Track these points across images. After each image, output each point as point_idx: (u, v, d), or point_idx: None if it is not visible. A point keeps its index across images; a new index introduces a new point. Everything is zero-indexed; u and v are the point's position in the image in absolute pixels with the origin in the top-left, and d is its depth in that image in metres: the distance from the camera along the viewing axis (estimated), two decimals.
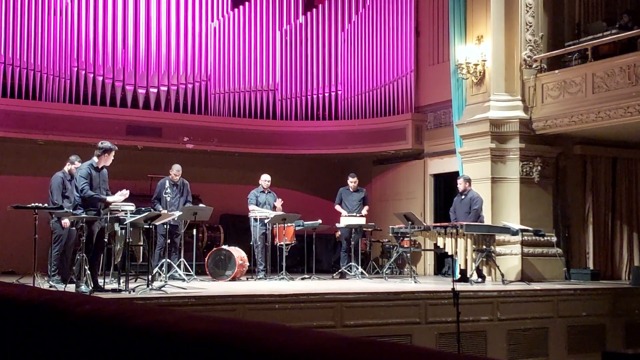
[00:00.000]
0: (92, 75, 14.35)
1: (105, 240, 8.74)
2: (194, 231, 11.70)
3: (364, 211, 12.67)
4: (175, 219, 10.51)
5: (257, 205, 12.05)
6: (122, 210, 8.81)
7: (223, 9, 15.84)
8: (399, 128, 15.30)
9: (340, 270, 12.38)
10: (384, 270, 12.60)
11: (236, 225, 14.70)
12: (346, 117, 16.09)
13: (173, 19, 15.24)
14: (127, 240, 8.65)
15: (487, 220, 11.59)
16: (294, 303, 8.40)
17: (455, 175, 12.85)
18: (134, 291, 8.30)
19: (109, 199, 8.59)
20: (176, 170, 11.46)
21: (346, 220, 12.42)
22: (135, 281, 9.50)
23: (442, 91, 14.25)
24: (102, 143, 8.82)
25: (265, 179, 12.29)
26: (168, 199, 10.39)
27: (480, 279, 11.12)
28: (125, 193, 8.66)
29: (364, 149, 15.79)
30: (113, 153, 8.78)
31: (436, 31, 15.04)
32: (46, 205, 9.34)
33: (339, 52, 16.37)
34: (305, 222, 12.21)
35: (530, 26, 12.51)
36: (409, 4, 15.42)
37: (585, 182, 12.88)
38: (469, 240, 10.76)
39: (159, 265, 10.38)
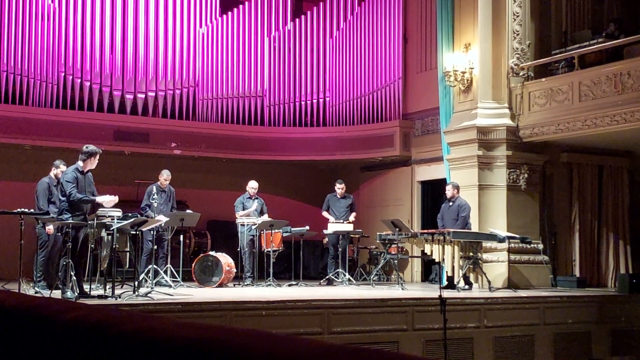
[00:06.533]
0: (79, 80, 14.30)
1: (92, 246, 8.70)
2: (181, 237, 11.67)
3: (352, 218, 12.67)
4: (162, 224, 10.48)
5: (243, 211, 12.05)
6: (109, 216, 8.77)
7: (212, 14, 15.83)
8: (386, 135, 15.34)
9: (327, 277, 12.38)
10: (371, 277, 12.62)
11: (223, 231, 14.67)
12: (334, 123, 16.11)
13: (161, 24, 15.21)
14: (114, 246, 8.61)
15: (474, 227, 11.62)
16: (281, 310, 8.38)
17: (442, 182, 12.88)
18: (120, 297, 8.26)
19: (98, 199, 8.57)
20: (166, 175, 11.44)
21: (334, 226, 12.42)
22: (122, 287, 9.46)
23: (429, 98, 14.29)
24: (86, 147, 8.77)
25: (252, 186, 12.29)
26: (155, 204, 10.36)
27: (467, 286, 11.14)
28: (114, 199, 8.64)
29: (351, 155, 15.81)
30: (98, 156, 8.74)
31: (424, 39, 15.10)
32: (32, 210, 9.28)
33: (327, 59, 16.40)
34: (293, 229, 12.20)
35: (518, 34, 12.57)
36: (397, 12, 15.48)
37: (571, 190, 12.93)
38: (456, 247, 10.78)
39: (146, 271, 10.34)
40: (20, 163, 14.09)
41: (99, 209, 8.97)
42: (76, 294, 8.29)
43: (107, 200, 8.61)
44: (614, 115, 11.07)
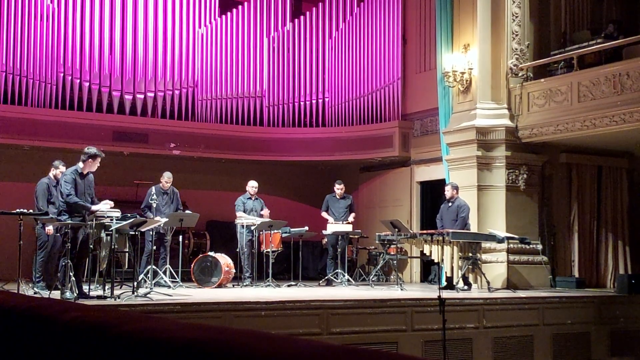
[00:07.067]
0: (78, 80, 14.29)
1: (91, 246, 8.70)
2: (180, 238, 11.66)
3: (351, 218, 12.67)
4: (162, 225, 10.47)
5: (244, 211, 12.04)
6: (108, 217, 8.77)
7: (211, 15, 15.83)
8: (385, 135, 15.34)
9: (326, 278, 12.37)
10: (371, 278, 12.61)
11: (222, 231, 14.66)
12: (333, 124, 16.10)
13: (160, 24, 15.21)
14: (113, 247, 8.61)
15: (473, 228, 11.61)
16: (280, 310, 8.38)
17: (441, 182, 12.88)
18: (119, 298, 8.25)
19: (94, 207, 8.53)
20: (167, 177, 11.43)
21: (333, 227, 12.42)
22: (121, 288, 9.46)
23: (428, 99, 14.29)
24: (88, 149, 8.75)
25: (252, 185, 12.29)
26: (154, 205, 10.35)
27: (466, 287, 11.14)
28: (109, 203, 8.63)
29: (350, 156, 15.81)
30: (99, 159, 8.71)
31: (423, 39, 15.10)
32: (31, 211, 9.29)
33: (326, 59, 16.40)
34: (292, 229, 12.20)
35: (517, 35, 12.58)
36: (396, 12, 15.49)
37: (570, 190, 12.93)
38: (455, 247, 10.78)
39: (145, 272, 10.34)
40: (19, 163, 14.08)
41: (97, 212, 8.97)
42: (75, 294, 8.29)
43: (102, 208, 8.58)
44: (613, 116, 11.08)
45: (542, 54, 12.68)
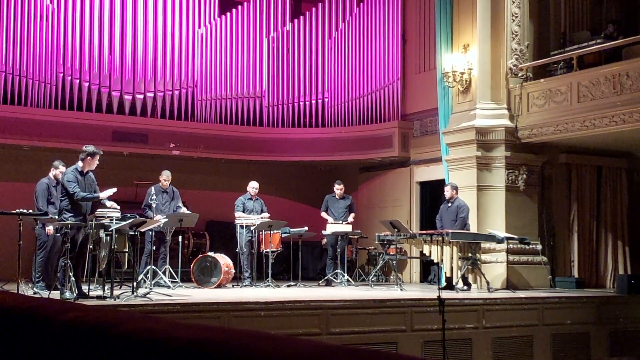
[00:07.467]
0: (77, 81, 14.28)
1: (91, 247, 8.69)
2: (180, 238, 11.64)
3: (350, 218, 12.67)
4: (161, 225, 10.47)
5: (244, 212, 12.04)
6: (108, 217, 8.77)
7: (210, 15, 15.83)
8: (385, 135, 15.34)
9: (326, 278, 12.37)
10: (370, 278, 12.60)
11: (222, 232, 14.67)
12: (333, 124, 16.10)
13: (160, 24, 15.21)
14: (112, 247, 8.61)
15: (473, 228, 11.61)
16: (280, 310, 8.38)
17: (441, 183, 12.88)
18: (118, 298, 8.26)
19: (102, 194, 8.59)
20: (165, 176, 11.44)
21: (332, 227, 12.42)
22: (120, 288, 9.46)
23: (428, 99, 14.30)
24: (86, 147, 8.78)
25: (253, 186, 12.28)
26: (153, 205, 10.34)
27: (465, 287, 11.14)
28: (113, 189, 8.65)
29: (350, 156, 15.81)
30: (98, 157, 8.74)
31: (423, 39, 15.10)
32: (31, 211, 9.28)
33: (326, 60, 16.40)
34: (292, 229, 12.20)
35: (516, 35, 12.58)
36: (396, 12, 15.49)
37: (570, 191, 12.93)
38: (454, 248, 10.77)
39: (144, 272, 10.34)
40: (19, 164, 14.08)
41: (98, 210, 8.98)
42: (75, 294, 8.29)
43: (109, 193, 8.62)
44: (612, 116, 11.08)
45: (542, 54, 12.68)
